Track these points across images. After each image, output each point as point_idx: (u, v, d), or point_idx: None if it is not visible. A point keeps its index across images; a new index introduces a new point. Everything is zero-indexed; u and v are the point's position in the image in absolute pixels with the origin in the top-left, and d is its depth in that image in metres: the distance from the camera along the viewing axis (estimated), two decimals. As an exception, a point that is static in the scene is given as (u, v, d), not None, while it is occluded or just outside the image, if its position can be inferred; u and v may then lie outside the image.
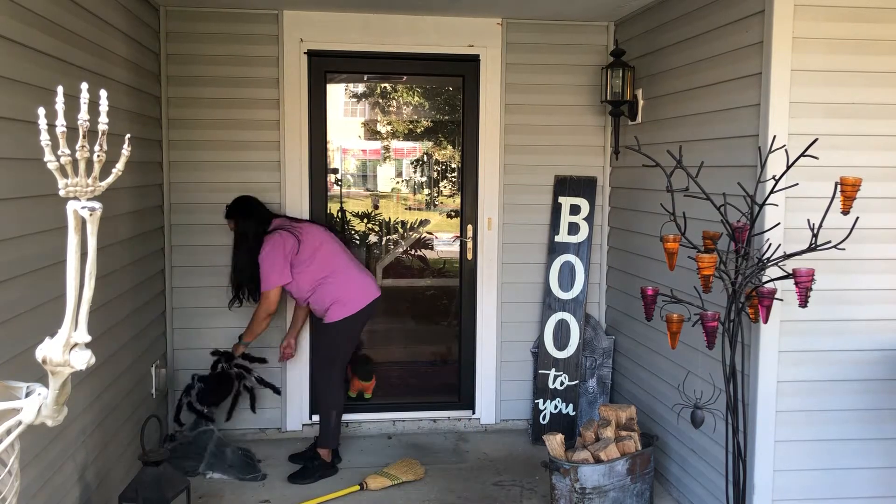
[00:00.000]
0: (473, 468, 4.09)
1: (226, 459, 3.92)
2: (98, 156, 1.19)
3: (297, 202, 4.37)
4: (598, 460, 3.38)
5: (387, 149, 7.03)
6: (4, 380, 1.47)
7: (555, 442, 3.47)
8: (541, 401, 4.43)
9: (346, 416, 4.34)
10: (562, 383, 4.45)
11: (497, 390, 4.64)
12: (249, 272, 3.88)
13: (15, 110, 2.26)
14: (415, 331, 5.76)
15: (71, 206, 1.19)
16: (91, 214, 1.20)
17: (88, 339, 1.26)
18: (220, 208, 4.33)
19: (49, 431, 2.09)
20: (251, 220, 3.92)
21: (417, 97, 6.82)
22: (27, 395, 1.40)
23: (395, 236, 6.54)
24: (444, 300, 6.26)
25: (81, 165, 1.18)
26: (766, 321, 2.78)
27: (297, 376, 4.45)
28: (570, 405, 4.42)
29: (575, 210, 4.54)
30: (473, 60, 4.49)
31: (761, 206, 2.74)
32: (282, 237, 3.82)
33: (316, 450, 3.96)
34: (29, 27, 2.38)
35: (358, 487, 3.74)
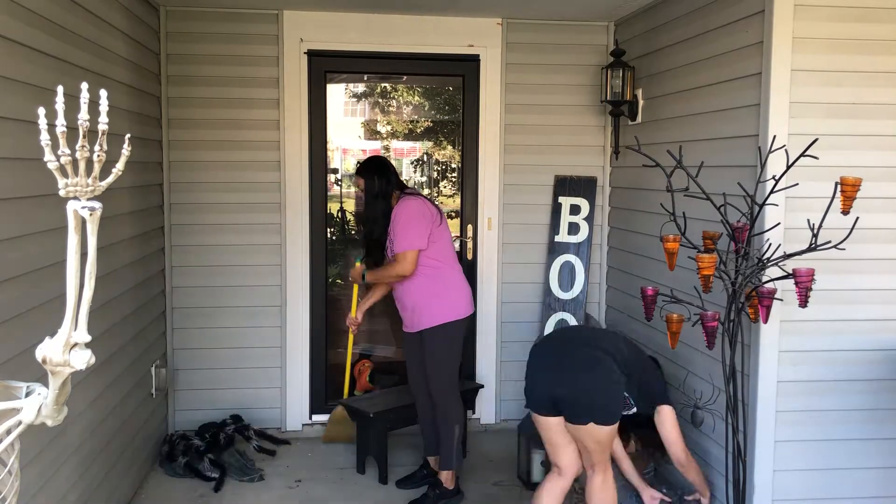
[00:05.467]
0: (473, 468, 4.09)
1: (224, 460, 3.93)
2: (98, 156, 1.19)
3: (297, 202, 4.37)
4: (598, 460, 3.37)
5: (387, 149, 7.02)
6: (4, 380, 1.47)
7: (555, 442, 3.46)
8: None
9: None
10: (562, 383, 4.44)
11: (497, 390, 4.64)
12: (381, 227, 3.60)
13: (15, 110, 2.26)
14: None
15: (71, 206, 1.19)
16: (91, 214, 1.20)
17: (88, 338, 1.26)
18: (221, 208, 4.34)
19: (49, 431, 2.09)
20: (383, 177, 3.63)
21: (417, 97, 6.81)
22: (27, 395, 1.39)
23: (395, 236, 6.55)
24: (444, 300, 6.25)
25: (81, 165, 1.18)
26: (766, 321, 2.78)
27: (298, 375, 4.45)
28: (570, 405, 4.41)
29: (575, 210, 4.54)
30: (473, 60, 4.49)
31: (761, 206, 2.74)
32: (422, 201, 3.61)
33: (438, 475, 3.70)
34: (29, 27, 2.38)
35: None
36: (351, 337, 4.21)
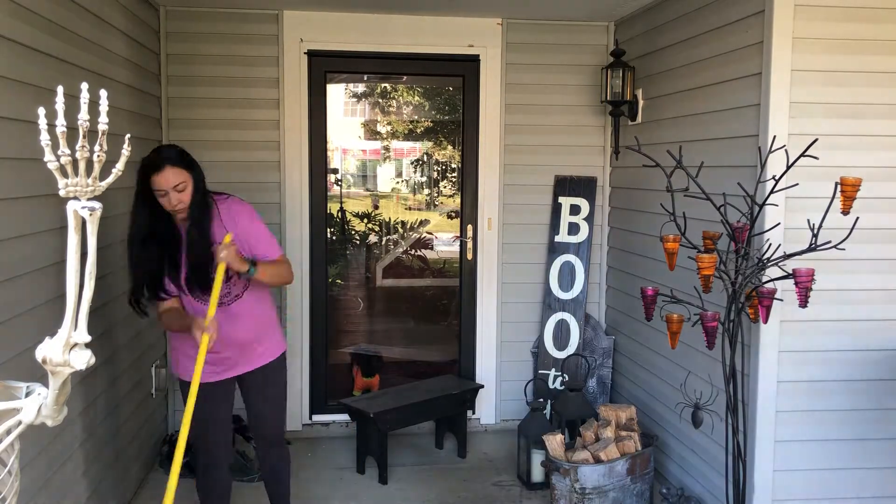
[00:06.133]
0: (473, 468, 4.09)
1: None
2: (98, 156, 1.19)
3: (297, 202, 4.37)
4: (598, 460, 3.38)
5: (387, 149, 7.03)
6: (4, 380, 1.47)
7: (555, 442, 3.47)
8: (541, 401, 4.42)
9: (346, 417, 4.33)
10: (562, 383, 4.44)
11: (497, 390, 4.64)
12: (204, 247, 2.67)
13: (15, 110, 2.26)
14: (415, 330, 5.75)
15: (71, 206, 1.19)
16: (91, 214, 1.20)
17: (88, 338, 1.26)
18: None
19: (49, 431, 2.09)
20: (200, 171, 2.79)
21: (417, 97, 6.81)
22: (27, 395, 1.40)
23: (395, 236, 6.55)
24: (444, 300, 6.25)
25: (81, 165, 1.18)
26: (766, 321, 2.78)
27: (298, 375, 4.45)
28: (570, 405, 4.41)
29: (575, 210, 4.54)
30: (473, 60, 4.49)
31: (761, 206, 2.74)
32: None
33: None
34: (29, 27, 2.38)
35: None
36: (204, 349, 2.54)
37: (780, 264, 2.75)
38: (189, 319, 2.64)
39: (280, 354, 2.96)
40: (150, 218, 2.64)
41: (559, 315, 4.52)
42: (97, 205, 1.21)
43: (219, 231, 2.71)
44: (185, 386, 2.74)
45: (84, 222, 1.20)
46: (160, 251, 2.67)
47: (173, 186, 2.59)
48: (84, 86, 1.16)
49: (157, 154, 2.65)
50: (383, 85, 6.45)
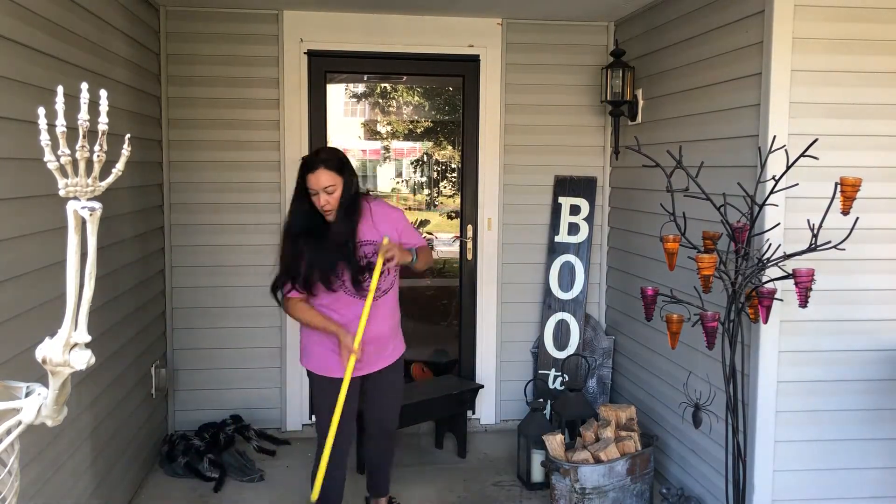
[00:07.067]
0: (473, 468, 4.09)
1: (224, 460, 3.93)
2: (98, 156, 1.19)
3: (297, 202, 4.37)
4: (597, 460, 3.38)
5: (387, 149, 7.03)
6: (4, 380, 1.47)
7: (555, 442, 3.47)
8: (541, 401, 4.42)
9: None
10: (562, 383, 4.44)
11: (497, 390, 4.64)
12: (348, 245, 2.83)
13: (15, 110, 2.26)
14: (415, 331, 5.77)
15: (71, 206, 1.19)
16: (91, 214, 1.20)
17: (88, 339, 1.26)
18: (221, 208, 4.34)
19: (49, 431, 2.09)
20: (352, 176, 2.89)
21: (417, 97, 6.81)
22: (27, 395, 1.39)
23: (395, 236, 6.55)
24: (444, 300, 6.26)
25: (81, 165, 1.18)
26: (766, 321, 2.78)
27: (297, 376, 4.45)
28: (570, 405, 4.41)
29: (575, 210, 4.54)
30: (473, 60, 4.49)
31: (761, 206, 2.74)
32: None
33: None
34: (29, 27, 2.38)
35: None
36: (350, 369, 2.83)
37: (780, 264, 2.75)
38: (334, 327, 2.80)
39: (402, 353, 3.11)
40: (305, 216, 2.80)
41: (559, 315, 4.52)
42: (97, 205, 1.21)
43: (367, 230, 2.86)
44: (326, 381, 2.91)
45: (84, 222, 1.20)
46: (312, 248, 2.78)
47: (324, 188, 2.74)
48: (84, 86, 1.16)
49: (315, 155, 2.82)
50: (383, 85, 6.45)
